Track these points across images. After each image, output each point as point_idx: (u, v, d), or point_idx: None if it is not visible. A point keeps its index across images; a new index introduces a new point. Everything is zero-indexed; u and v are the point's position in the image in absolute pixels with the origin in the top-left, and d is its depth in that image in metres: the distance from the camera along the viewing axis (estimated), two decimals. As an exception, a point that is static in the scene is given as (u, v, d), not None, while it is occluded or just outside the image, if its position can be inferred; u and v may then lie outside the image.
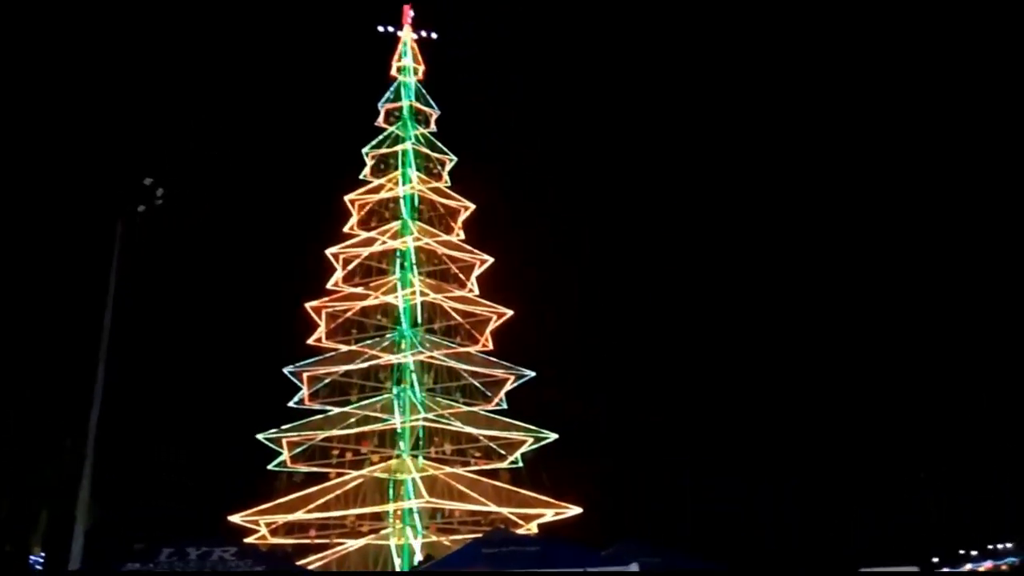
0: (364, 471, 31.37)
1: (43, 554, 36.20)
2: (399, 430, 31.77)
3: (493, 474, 31.76)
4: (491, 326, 33.74)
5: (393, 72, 38.25)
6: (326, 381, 33.07)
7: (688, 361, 43.93)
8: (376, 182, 36.01)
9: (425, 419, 31.37)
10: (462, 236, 35.36)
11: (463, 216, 35.72)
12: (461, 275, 34.66)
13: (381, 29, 38.86)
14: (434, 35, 39.57)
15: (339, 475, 31.68)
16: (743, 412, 41.83)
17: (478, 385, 33.01)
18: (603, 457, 38.89)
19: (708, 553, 28.54)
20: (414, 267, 33.94)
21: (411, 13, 39.13)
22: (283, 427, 32.15)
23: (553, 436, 32.22)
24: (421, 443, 31.65)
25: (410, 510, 30.59)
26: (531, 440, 31.94)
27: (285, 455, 31.73)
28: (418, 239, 34.17)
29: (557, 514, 31.32)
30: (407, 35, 38.71)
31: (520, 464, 31.89)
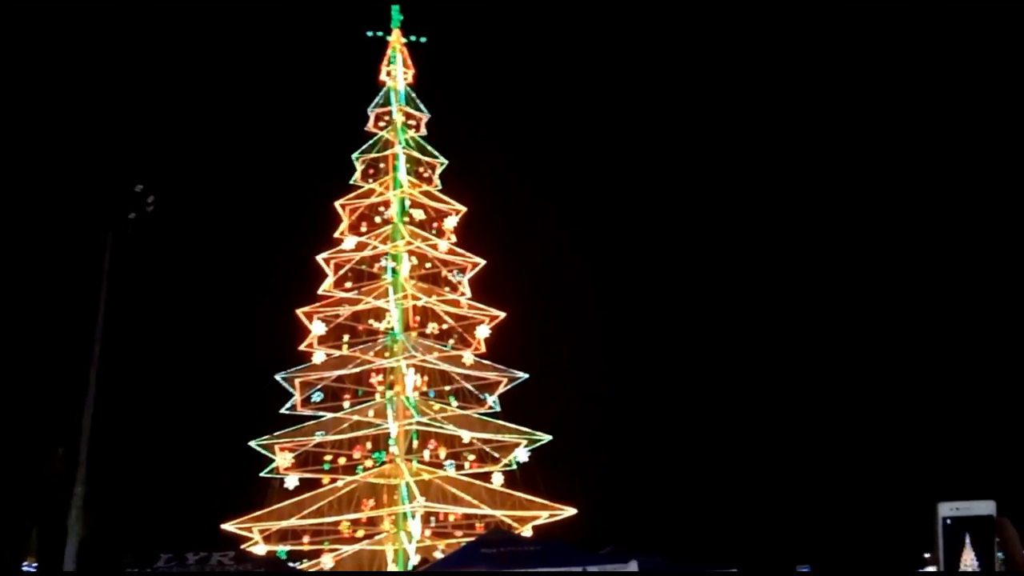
0: (357, 476, 31.32)
1: (35, 563, 35.92)
2: (392, 435, 31.72)
3: (487, 477, 31.79)
4: (483, 329, 33.79)
5: (382, 77, 38.27)
6: (318, 387, 33.04)
7: (684, 359, 44.06)
8: (366, 187, 36.01)
9: (418, 423, 31.33)
10: (453, 239, 35.40)
11: (454, 219, 35.75)
12: (452, 278, 34.72)
13: (370, 34, 38.90)
14: (423, 39, 39.64)
15: (332, 481, 31.65)
16: (742, 409, 41.98)
17: (471, 388, 33.06)
18: (598, 458, 38.91)
19: (706, 555, 28.62)
20: (405, 271, 33.94)
21: (400, 17, 39.18)
22: (275, 433, 32.07)
23: (547, 438, 32.28)
24: (414, 447, 31.60)
25: (404, 514, 30.54)
26: (524, 442, 31.99)
27: (278, 461, 31.62)
28: (409, 243, 34.19)
29: (552, 516, 31.36)
30: (396, 39, 38.74)
31: (514, 466, 31.92)
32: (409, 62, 38.75)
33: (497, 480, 31.54)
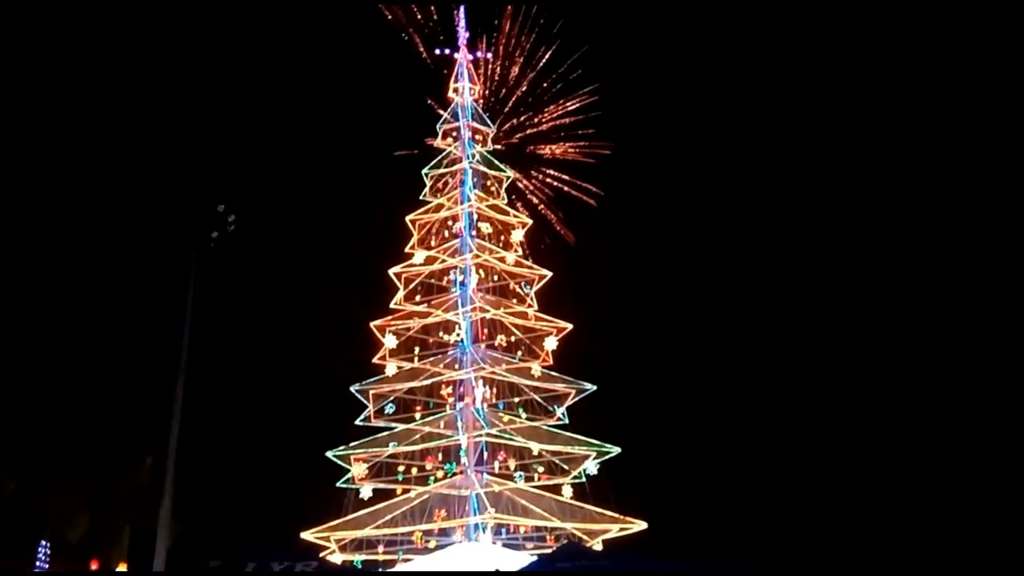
0: (429, 487, 31.83)
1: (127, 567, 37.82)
2: (462, 446, 32.11)
3: (557, 489, 31.82)
4: (551, 340, 33.91)
5: (450, 94, 39.03)
6: (391, 398, 33.78)
7: (753, 369, 43.16)
8: (435, 201, 36.73)
9: (487, 435, 31.65)
10: (520, 252, 35.70)
11: (521, 232, 36.06)
12: (520, 290, 35.01)
13: (438, 52, 39.80)
14: (489, 55, 40.29)
15: (405, 491, 32.27)
16: (813, 418, 40.84)
17: (539, 400, 33.19)
18: (668, 470, 38.40)
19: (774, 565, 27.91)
20: (473, 284, 34.39)
21: (466, 35, 39.93)
22: (351, 444, 32.90)
23: (616, 450, 32.09)
24: (485, 459, 31.91)
25: (475, 525, 30.85)
26: (594, 454, 31.89)
27: (353, 472, 32.42)
28: (477, 256, 34.65)
29: (622, 529, 31.15)
30: (463, 56, 39.46)
31: (583, 479, 31.85)
32: (475, 78, 39.41)
33: (567, 492, 31.52)
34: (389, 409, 33.76)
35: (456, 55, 39.60)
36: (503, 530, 31.68)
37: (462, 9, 40.02)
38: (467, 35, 39.95)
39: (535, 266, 35.40)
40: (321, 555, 30.54)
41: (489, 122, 38.75)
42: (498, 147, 38.72)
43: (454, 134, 38.10)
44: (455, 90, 38.97)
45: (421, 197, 37.19)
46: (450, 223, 36.24)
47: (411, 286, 35.34)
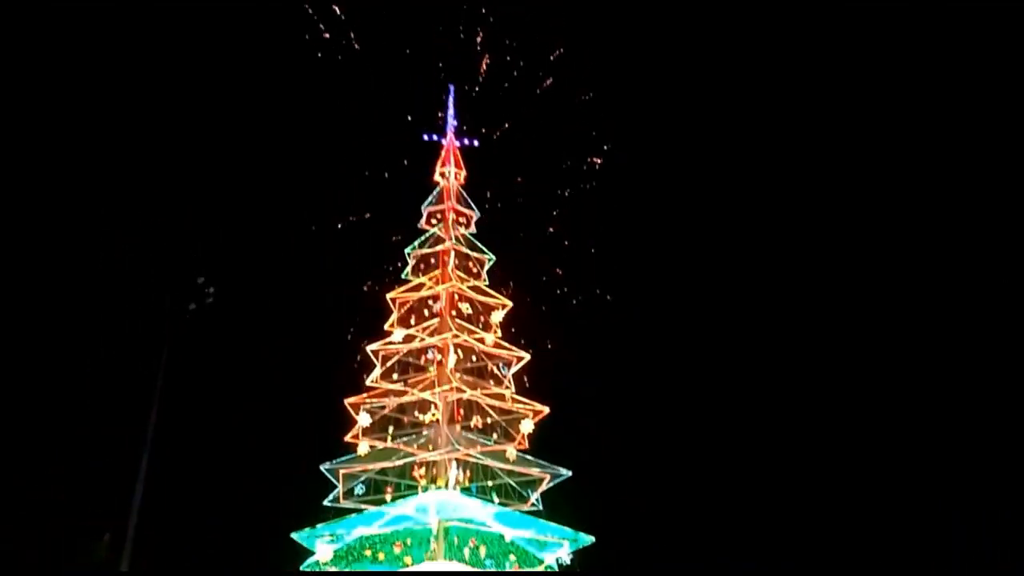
0: (397, 570, 30.79)
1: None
2: (432, 530, 31.26)
3: (529, 578, 30.91)
4: (527, 423, 33.61)
5: (436, 177, 39.96)
6: (361, 479, 33.06)
7: (735, 449, 42.85)
8: (416, 280, 37.01)
9: (459, 519, 30.88)
10: (499, 333, 35.79)
11: (500, 313, 36.26)
12: (498, 371, 34.90)
13: (426, 137, 40.99)
14: (476, 143, 41.47)
15: (372, 576, 31.19)
16: (791, 499, 40.35)
17: (514, 484, 32.62)
18: (643, 559, 37.53)
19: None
20: (451, 364, 34.27)
21: (454, 123, 41.25)
22: (317, 526, 31.95)
23: (590, 539, 31.40)
24: (455, 543, 31.03)
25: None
26: (567, 542, 31.17)
27: (318, 555, 31.39)
28: (456, 336, 34.68)
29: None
30: (449, 142, 40.64)
31: (555, 568, 31.00)
32: (461, 163, 40.46)
33: (539, 582, 30.63)
34: (359, 490, 33.01)
35: (443, 140, 40.79)
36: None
37: (451, 95, 41.52)
38: (455, 122, 41.28)
39: (514, 348, 35.44)
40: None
41: (473, 205, 39.57)
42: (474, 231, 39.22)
43: (438, 215, 38.81)
44: (442, 174, 39.95)
45: (403, 275, 37.52)
46: (430, 302, 36.42)
47: (388, 364, 35.14)
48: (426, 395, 33.66)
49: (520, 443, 33.43)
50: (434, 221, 38.82)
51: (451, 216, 38.42)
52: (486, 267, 38.10)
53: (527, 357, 35.30)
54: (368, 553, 31.56)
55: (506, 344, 35.47)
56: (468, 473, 32.59)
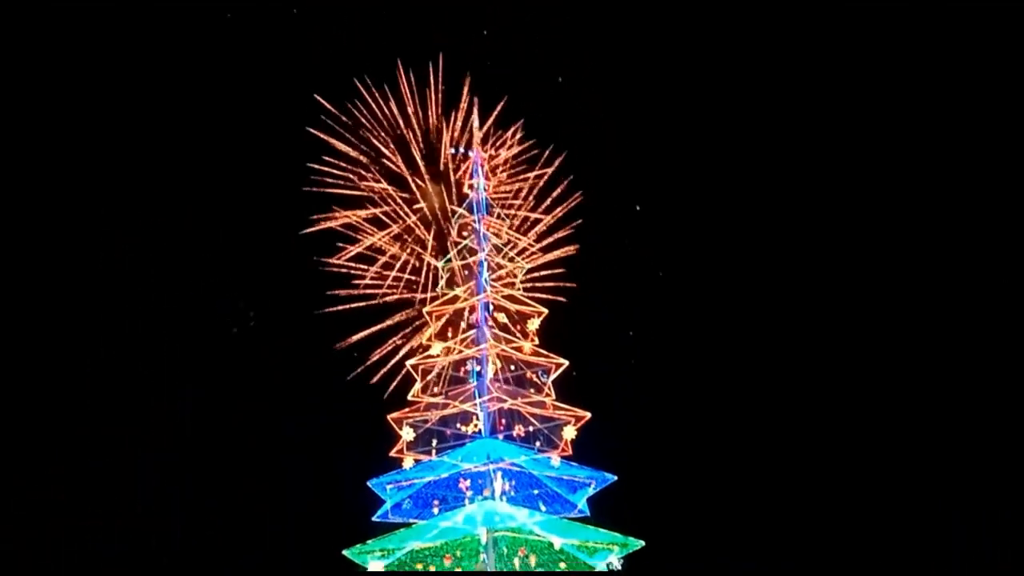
0: None
1: None
2: (482, 541, 31.29)
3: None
4: (569, 430, 33.53)
5: (465, 189, 40.20)
6: (408, 492, 33.27)
7: (779, 448, 42.22)
8: (452, 293, 37.23)
9: (507, 529, 30.89)
10: (536, 341, 35.79)
11: (536, 321, 36.27)
12: (537, 379, 34.89)
13: (453, 151, 41.28)
14: (503, 152, 41.63)
15: (424, 591, 31.36)
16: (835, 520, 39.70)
17: (559, 491, 32.53)
18: (693, 561, 37.09)
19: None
20: (490, 374, 34.36)
21: (480, 134, 41.48)
22: (367, 542, 32.21)
23: (640, 543, 31.14)
24: (505, 553, 31.02)
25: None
26: (616, 547, 30.94)
27: (370, 569, 31.62)
28: (494, 346, 34.77)
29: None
30: (476, 154, 40.86)
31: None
32: (490, 174, 40.64)
33: (591, 589, 30.47)
34: (407, 504, 33.24)
35: (471, 153, 41.03)
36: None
37: (476, 106, 41.78)
38: (481, 133, 41.50)
39: (552, 355, 35.39)
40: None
41: (504, 215, 39.69)
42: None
43: (469, 227, 39.02)
44: (470, 186, 40.16)
45: (438, 289, 37.79)
46: (467, 314, 36.59)
47: (428, 377, 35.37)
48: (467, 407, 33.78)
49: (564, 449, 33.35)
50: (465, 233, 39.03)
51: (482, 227, 38.60)
52: (520, 276, 38.17)
53: (566, 363, 35.22)
54: (419, 567, 31.75)
55: (544, 351, 35.46)
56: (513, 482, 32.58)
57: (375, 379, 35.98)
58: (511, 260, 38.08)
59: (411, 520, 32.75)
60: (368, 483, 33.51)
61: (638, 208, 41.37)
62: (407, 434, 33.88)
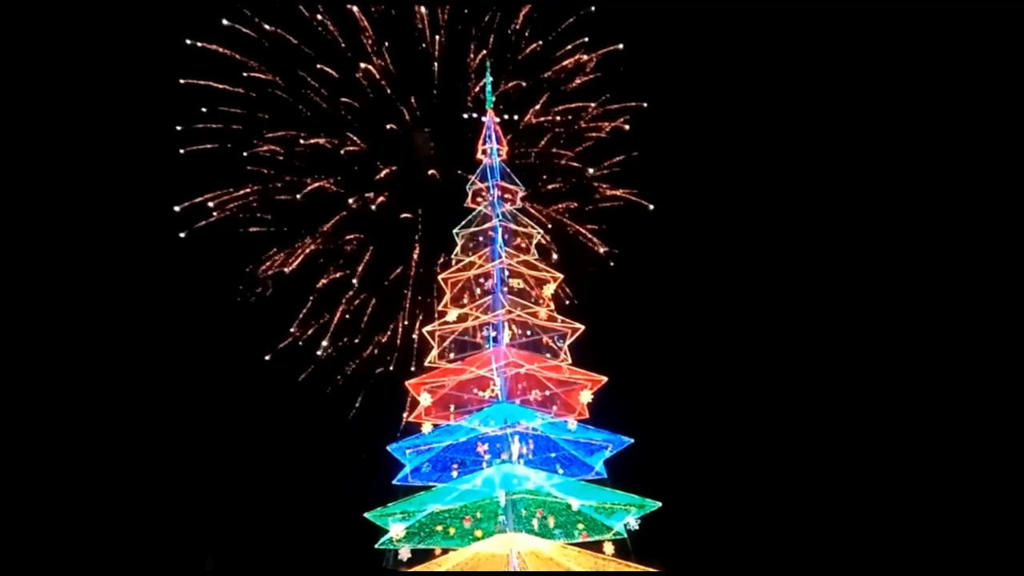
0: (469, 546, 31.38)
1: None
2: (500, 504, 31.70)
3: (599, 547, 31.16)
4: (586, 394, 33.71)
5: (479, 155, 39.99)
6: (427, 456, 33.69)
7: (797, 413, 42.32)
8: (467, 260, 37.25)
9: (525, 492, 31.26)
10: (552, 307, 35.85)
11: (552, 286, 36.29)
12: (553, 344, 35.02)
13: (466, 116, 41.05)
14: (516, 116, 41.37)
15: (444, 552, 31.86)
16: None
17: (576, 454, 32.82)
18: (710, 521, 37.43)
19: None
20: (506, 339, 34.52)
21: (492, 98, 41.10)
22: (388, 504, 32.72)
23: (656, 504, 31.42)
24: (523, 515, 31.44)
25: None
26: (633, 509, 31.25)
27: (391, 533, 32.17)
28: (509, 312, 34.87)
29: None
30: (490, 119, 40.56)
31: (624, 535, 31.16)
32: (503, 139, 40.37)
33: (608, 550, 30.84)
34: (426, 468, 33.68)
35: (484, 118, 40.72)
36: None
37: (488, 71, 41.39)
38: (494, 98, 41.14)
39: (568, 319, 35.47)
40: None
41: (518, 181, 39.51)
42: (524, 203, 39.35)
43: (483, 194, 38.89)
44: (484, 151, 39.92)
45: (453, 256, 37.83)
46: (482, 280, 36.65)
47: (444, 344, 35.59)
48: (484, 372, 34.01)
49: (581, 413, 33.57)
50: (479, 199, 38.91)
51: (496, 192, 38.46)
52: (534, 241, 38.08)
53: (582, 328, 35.29)
54: (439, 528, 32.25)
55: (559, 316, 35.52)
56: (530, 445, 32.88)
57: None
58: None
59: (430, 483, 33.18)
60: (388, 447, 33.94)
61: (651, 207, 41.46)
62: (425, 400, 34.22)
